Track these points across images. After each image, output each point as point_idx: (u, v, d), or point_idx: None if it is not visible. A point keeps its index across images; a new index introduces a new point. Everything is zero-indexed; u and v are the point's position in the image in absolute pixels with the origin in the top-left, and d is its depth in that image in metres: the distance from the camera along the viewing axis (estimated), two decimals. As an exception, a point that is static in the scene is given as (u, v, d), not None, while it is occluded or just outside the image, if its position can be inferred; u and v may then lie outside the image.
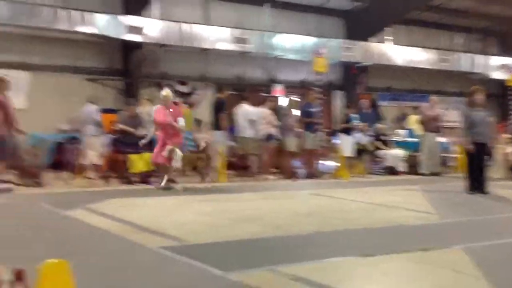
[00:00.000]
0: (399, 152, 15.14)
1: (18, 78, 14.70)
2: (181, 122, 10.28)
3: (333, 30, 20.53)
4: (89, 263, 4.61)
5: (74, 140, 12.94)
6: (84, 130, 12.21)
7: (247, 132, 12.99)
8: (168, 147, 10.08)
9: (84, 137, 12.18)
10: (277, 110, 13.84)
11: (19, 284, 1.56)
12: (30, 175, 10.63)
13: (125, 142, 11.35)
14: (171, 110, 10.34)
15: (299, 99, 18.28)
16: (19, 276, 1.54)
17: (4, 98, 10.36)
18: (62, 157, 13.04)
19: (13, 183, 9.95)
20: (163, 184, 10.26)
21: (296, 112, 14.24)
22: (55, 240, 5.74)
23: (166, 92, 10.49)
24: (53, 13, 14.72)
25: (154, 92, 16.53)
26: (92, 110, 12.23)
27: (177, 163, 10.19)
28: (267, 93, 18.03)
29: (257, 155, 13.19)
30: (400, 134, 16.61)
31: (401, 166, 14.92)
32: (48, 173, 11.40)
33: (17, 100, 13.58)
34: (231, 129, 13.71)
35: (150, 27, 16.19)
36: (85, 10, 15.32)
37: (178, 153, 10.16)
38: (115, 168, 11.75)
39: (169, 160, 10.16)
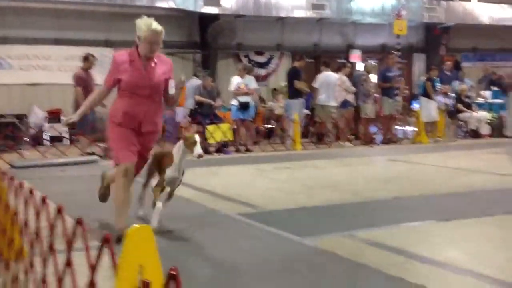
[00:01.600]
0: (483, 114, 14.54)
1: (102, 55, 15.29)
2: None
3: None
4: (170, 228, 4.82)
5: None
6: (186, 104, 12.40)
7: (325, 99, 12.82)
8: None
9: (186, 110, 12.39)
10: (354, 76, 13.59)
11: (107, 248, 1.70)
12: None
13: (202, 113, 11.59)
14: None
15: (377, 64, 17.88)
16: (106, 240, 1.68)
17: (86, 74, 10.83)
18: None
19: (98, 155, 10.40)
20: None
21: (374, 77, 13.92)
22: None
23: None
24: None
25: (231, 64, 16.75)
26: (196, 84, 12.31)
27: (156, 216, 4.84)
28: (344, 59, 17.75)
29: (333, 122, 13.06)
30: (484, 96, 15.92)
31: (485, 129, 14.32)
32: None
33: (101, 76, 14.19)
34: (308, 97, 13.62)
35: (226, -1, 16.28)
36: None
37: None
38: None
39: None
